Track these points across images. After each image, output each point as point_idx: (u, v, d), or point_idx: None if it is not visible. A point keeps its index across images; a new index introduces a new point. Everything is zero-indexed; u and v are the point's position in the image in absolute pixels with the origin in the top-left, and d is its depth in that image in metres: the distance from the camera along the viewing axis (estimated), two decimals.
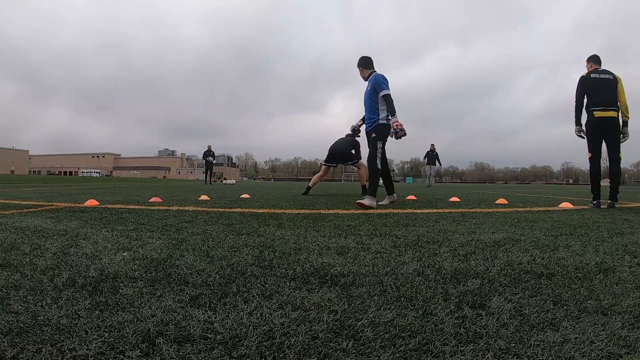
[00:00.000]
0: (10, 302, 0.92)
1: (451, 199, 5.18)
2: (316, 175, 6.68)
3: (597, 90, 4.13)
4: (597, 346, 0.72)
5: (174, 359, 0.67)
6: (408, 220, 2.70)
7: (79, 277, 1.13)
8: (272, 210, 3.32)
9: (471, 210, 3.52)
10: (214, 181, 22.15)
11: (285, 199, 4.93)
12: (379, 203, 4.12)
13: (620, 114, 4.12)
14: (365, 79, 4.29)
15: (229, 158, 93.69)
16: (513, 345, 0.73)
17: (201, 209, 3.36)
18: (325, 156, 6.59)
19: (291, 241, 1.78)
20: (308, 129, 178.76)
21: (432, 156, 14.62)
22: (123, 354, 0.68)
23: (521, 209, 3.71)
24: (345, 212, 3.27)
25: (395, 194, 4.51)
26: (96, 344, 0.71)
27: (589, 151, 4.23)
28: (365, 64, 4.29)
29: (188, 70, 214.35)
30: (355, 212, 3.29)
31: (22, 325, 0.78)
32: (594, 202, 4.09)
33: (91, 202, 3.74)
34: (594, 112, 4.11)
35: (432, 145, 14.65)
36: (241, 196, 5.51)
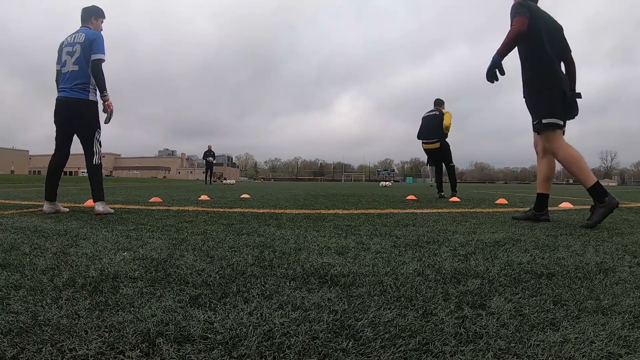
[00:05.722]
0: (10, 302, 0.92)
1: (451, 199, 5.18)
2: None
3: (425, 125, 6.03)
4: (597, 346, 0.72)
5: (174, 359, 0.67)
6: (408, 220, 2.70)
7: (79, 277, 1.13)
8: (272, 210, 3.32)
9: (471, 210, 3.53)
10: (214, 181, 22.16)
11: (285, 199, 4.93)
12: None
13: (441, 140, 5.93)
14: None
15: (229, 158, 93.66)
16: (513, 345, 0.73)
17: (201, 209, 3.36)
18: None
19: (291, 241, 1.78)
20: (310, 128, 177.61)
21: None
22: (123, 354, 0.68)
23: (521, 209, 3.70)
24: (345, 212, 3.27)
25: None
26: (96, 344, 0.71)
27: None
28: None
29: (194, 68, 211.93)
30: (355, 212, 3.29)
31: (22, 325, 0.78)
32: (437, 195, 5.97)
33: (91, 202, 3.73)
34: (423, 143, 6.13)
35: None
36: (241, 196, 5.51)
